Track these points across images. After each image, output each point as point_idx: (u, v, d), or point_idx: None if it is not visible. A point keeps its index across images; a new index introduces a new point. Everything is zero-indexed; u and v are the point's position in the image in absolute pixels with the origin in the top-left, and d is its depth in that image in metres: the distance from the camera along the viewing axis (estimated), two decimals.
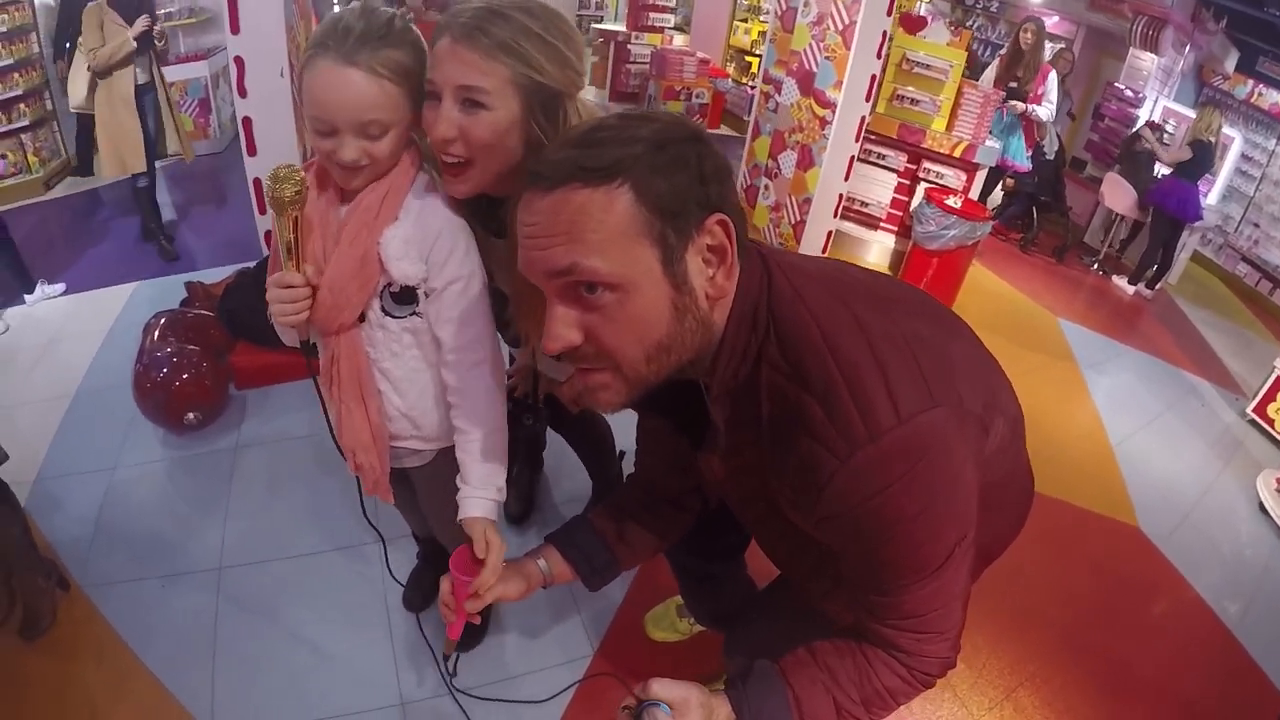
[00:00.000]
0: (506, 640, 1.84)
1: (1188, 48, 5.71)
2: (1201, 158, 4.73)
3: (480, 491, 1.22)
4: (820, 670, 0.91)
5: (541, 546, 1.21)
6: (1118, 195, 5.22)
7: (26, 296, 3.14)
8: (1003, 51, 5.10)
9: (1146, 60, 5.90)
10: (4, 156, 4.14)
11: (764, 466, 0.89)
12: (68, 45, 3.83)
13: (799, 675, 0.91)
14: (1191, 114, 5.46)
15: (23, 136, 4.21)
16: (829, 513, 0.81)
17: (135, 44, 3.26)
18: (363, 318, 1.19)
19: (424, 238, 1.13)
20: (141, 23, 3.27)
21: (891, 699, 0.92)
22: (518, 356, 1.70)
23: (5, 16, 4.01)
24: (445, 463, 1.39)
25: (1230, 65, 5.70)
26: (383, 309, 1.18)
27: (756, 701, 0.90)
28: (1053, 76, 4.80)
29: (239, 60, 2.41)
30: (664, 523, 1.23)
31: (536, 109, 1.06)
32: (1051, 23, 6.61)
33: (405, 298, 1.18)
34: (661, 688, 0.88)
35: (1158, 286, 5.16)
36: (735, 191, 0.82)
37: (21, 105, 4.18)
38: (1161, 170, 5.04)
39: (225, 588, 1.91)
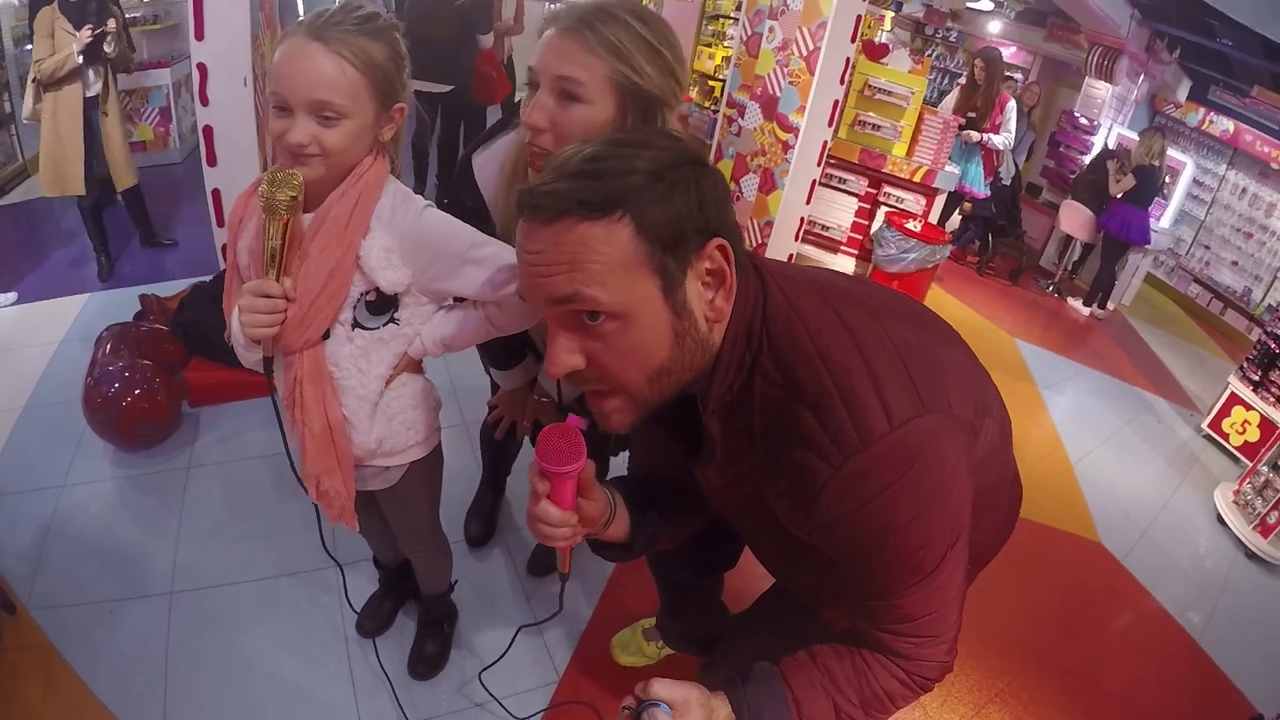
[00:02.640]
0: (469, 666, 1.79)
1: (1142, 77, 5.92)
2: (1146, 182, 4.89)
3: (430, 342, 1.23)
4: (819, 672, 0.92)
5: (611, 488, 1.09)
6: (1074, 220, 5.37)
7: None
8: (961, 81, 5.24)
9: (1101, 89, 6.09)
10: None
11: (758, 475, 0.90)
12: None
13: (798, 677, 0.92)
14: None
15: None
16: (824, 520, 0.82)
17: (80, 58, 3.05)
18: (327, 335, 1.15)
19: (405, 243, 1.11)
20: (85, 33, 3.03)
21: (890, 702, 0.92)
22: (501, 381, 1.61)
23: None
24: (410, 480, 1.37)
25: (1182, 94, 5.92)
26: (355, 321, 1.15)
27: (756, 702, 0.90)
28: (1011, 105, 4.94)
29: (202, 67, 2.35)
30: (681, 505, 1.18)
31: (633, 112, 1.06)
32: (1009, 53, 6.81)
33: (381, 306, 1.16)
34: (662, 688, 0.88)
35: (1109, 306, 5.30)
36: (732, 212, 0.83)
37: None
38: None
39: (177, 613, 1.83)
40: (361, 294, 1.13)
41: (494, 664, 1.61)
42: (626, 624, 1.90)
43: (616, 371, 0.81)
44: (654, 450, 1.18)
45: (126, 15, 3.44)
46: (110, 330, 2.48)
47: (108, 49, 3.16)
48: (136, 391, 2.25)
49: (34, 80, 3.06)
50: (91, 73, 3.18)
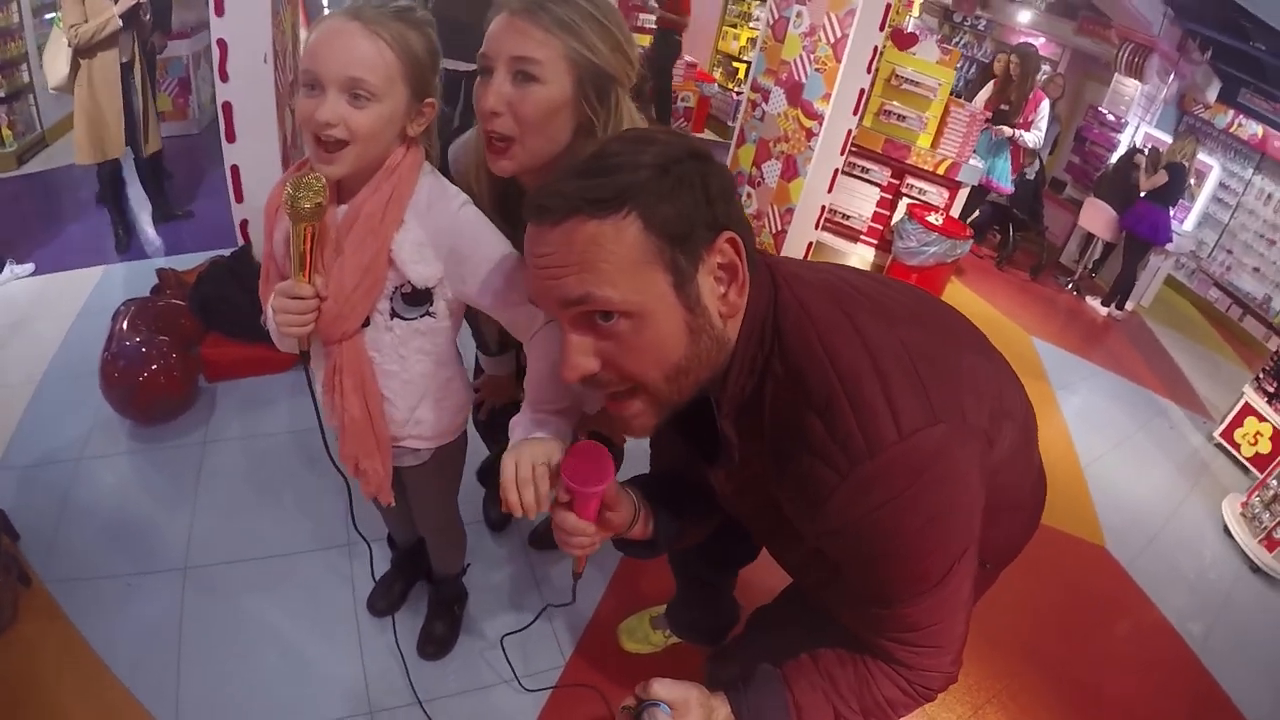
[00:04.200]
0: (476, 649, 1.82)
1: (1172, 76, 5.81)
2: (1176, 182, 4.83)
3: (547, 418, 1.09)
4: (821, 677, 0.92)
5: (635, 489, 1.09)
6: (1097, 217, 5.30)
7: None
8: (994, 72, 5.16)
9: (1130, 86, 5.99)
10: None
11: (768, 478, 0.89)
12: None
13: (799, 681, 0.92)
14: (1170, 140, 5.56)
15: None
16: (829, 527, 0.82)
17: (121, 22, 3.08)
18: (366, 322, 1.16)
19: (438, 237, 1.11)
20: None
21: (891, 710, 0.93)
22: (488, 367, 1.65)
23: None
24: (440, 461, 1.40)
25: (1212, 95, 5.81)
26: (392, 311, 1.16)
27: (756, 704, 0.91)
28: (1045, 104, 4.87)
29: (222, 43, 2.34)
30: (703, 502, 1.18)
31: (589, 89, 1.07)
32: (1039, 44, 6.69)
33: (418, 299, 1.16)
34: (662, 688, 0.88)
35: (1127, 307, 5.26)
36: (740, 206, 0.82)
37: None
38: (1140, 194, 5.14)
39: (191, 587, 1.86)
40: (396, 287, 1.14)
41: (517, 632, 1.66)
42: (635, 611, 1.93)
43: (634, 371, 0.80)
44: (671, 454, 1.18)
45: None
46: (128, 304, 2.50)
47: (143, 16, 3.21)
48: (153, 366, 2.27)
49: (70, 46, 3.05)
50: (124, 38, 3.20)
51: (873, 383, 0.77)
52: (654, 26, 5.92)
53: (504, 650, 1.72)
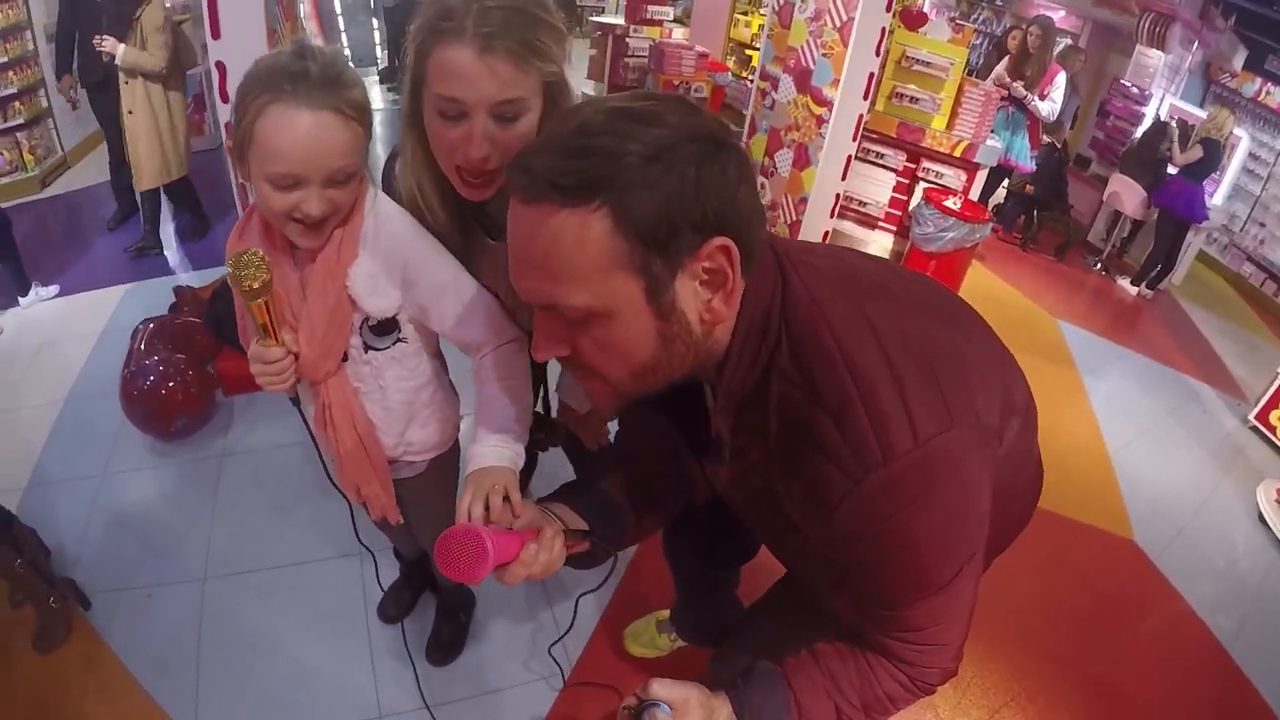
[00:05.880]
0: (484, 653, 1.84)
1: (1195, 45, 5.62)
2: (1212, 157, 4.68)
3: (497, 447, 1.09)
4: (822, 673, 0.91)
5: (551, 504, 1.03)
6: (1124, 195, 5.15)
7: (20, 299, 3.14)
8: (1005, 45, 5.04)
9: (1153, 57, 5.81)
10: (0, 154, 4.14)
11: (769, 471, 0.87)
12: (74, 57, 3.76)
13: (800, 677, 0.91)
14: (1197, 111, 5.38)
15: (18, 134, 4.21)
16: (838, 532, 0.80)
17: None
18: (345, 357, 1.17)
19: (390, 265, 1.11)
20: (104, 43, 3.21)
21: (891, 704, 0.91)
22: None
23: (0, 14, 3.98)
24: (435, 470, 1.42)
25: (1238, 63, 5.61)
26: (365, 345, 1.17)
27: (757, 702, 0.90)
28: (1061, 77, 4.75)
29: (220, 65, 2.37)
30: (652, 491, 1.14)
31: (556, 96, 1.03)
32: (1058, 17, 6.52)
33: (386, 328, 1.17)
34: (662, 688, 0.87)
35: (1160, 287, 5.10)
36: (750, 197, 0.74)
37: (17, 103, 4.16)
38: (1169, 169, 4.98)
39: (210, 597, 1.92)
40: (362, 320, 1.14)
41: (564, 636, 1.63)
42: (640, 615, 1.93)
43: (597, 366, 0.79)
44: (644, 433, 1.13)
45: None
46: (145, 324, 2.56)
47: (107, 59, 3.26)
48: (171, 384, 2.33)
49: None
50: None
51: (889, 386, 0.73)
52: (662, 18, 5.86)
53: (552, 656, 1.70)
